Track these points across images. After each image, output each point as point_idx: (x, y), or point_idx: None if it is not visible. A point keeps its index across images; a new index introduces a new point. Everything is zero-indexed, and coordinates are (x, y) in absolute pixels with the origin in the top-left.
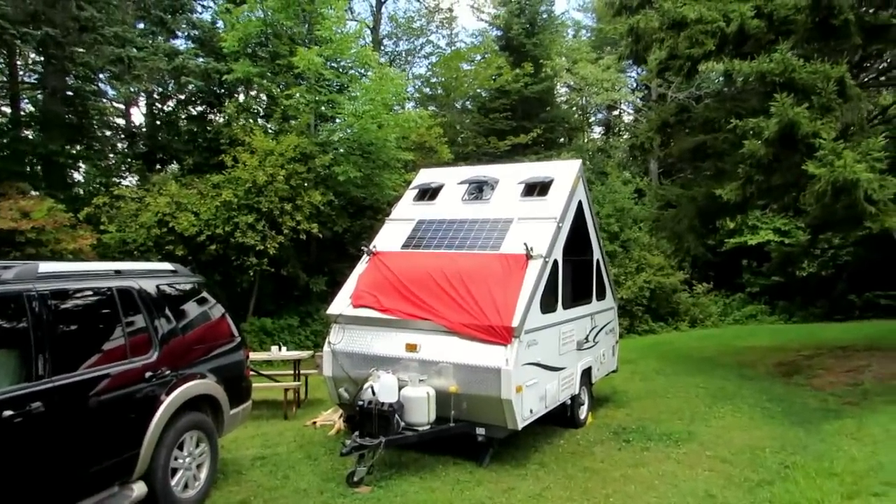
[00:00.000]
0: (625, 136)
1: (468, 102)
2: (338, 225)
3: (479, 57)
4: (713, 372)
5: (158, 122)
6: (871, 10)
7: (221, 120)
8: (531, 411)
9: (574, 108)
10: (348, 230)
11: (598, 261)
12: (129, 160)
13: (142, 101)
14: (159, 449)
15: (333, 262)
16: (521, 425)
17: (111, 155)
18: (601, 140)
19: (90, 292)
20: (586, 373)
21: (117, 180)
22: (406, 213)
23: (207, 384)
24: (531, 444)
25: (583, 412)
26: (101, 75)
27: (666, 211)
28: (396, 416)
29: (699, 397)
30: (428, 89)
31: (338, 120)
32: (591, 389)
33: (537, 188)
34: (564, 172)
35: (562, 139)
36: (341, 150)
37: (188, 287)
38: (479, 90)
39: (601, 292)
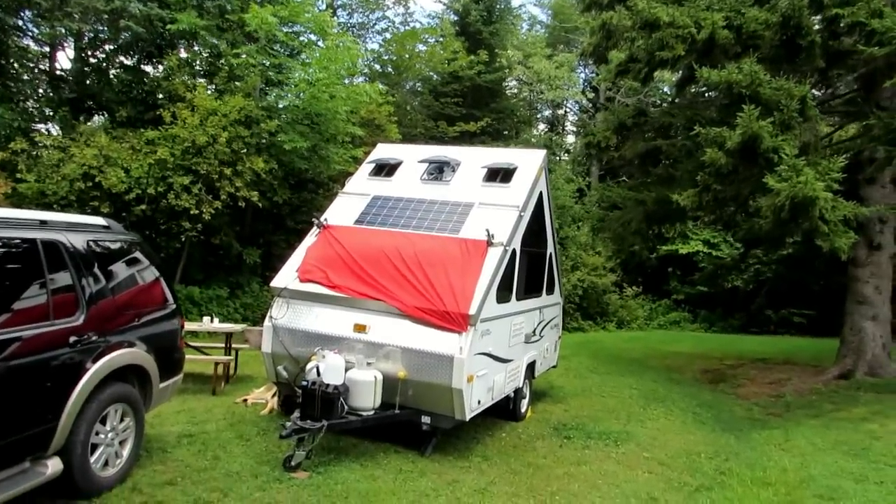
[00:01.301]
0: (575, 136)
1: (419, 84)
2: (278, 195)
3: (433, 39)
4: (644, 374)
5: (88, 69)
6: (835, 34)
7: (160, 73)
8: (479, 402)
9: (522, 102)
10: (287, 202)
11: (551, 254)
12: (54, 105)
13: (70, 48)
14: (79, 422)
15: (269, 234)
16: (468, 416)
17: (30, 100)
18: (546, 137)
19: (10, 242)
20: (530, 366)
21: (39, 126)
22: (361, 188)
23: (137, 353)
24: (473, 435)
25: (524, 406)
26: (26, 12)
27: (611, 212)
28: (341, 399)
29: (633, 398)
30: (378, 66)
31: (287, 86)
32: (532, 383)
33: (500, 174)
34: (528, 161)
35: (507, 131)
36: (287, 119)
37: (121, 245)
38: (431, 73)
39: (551, 286)
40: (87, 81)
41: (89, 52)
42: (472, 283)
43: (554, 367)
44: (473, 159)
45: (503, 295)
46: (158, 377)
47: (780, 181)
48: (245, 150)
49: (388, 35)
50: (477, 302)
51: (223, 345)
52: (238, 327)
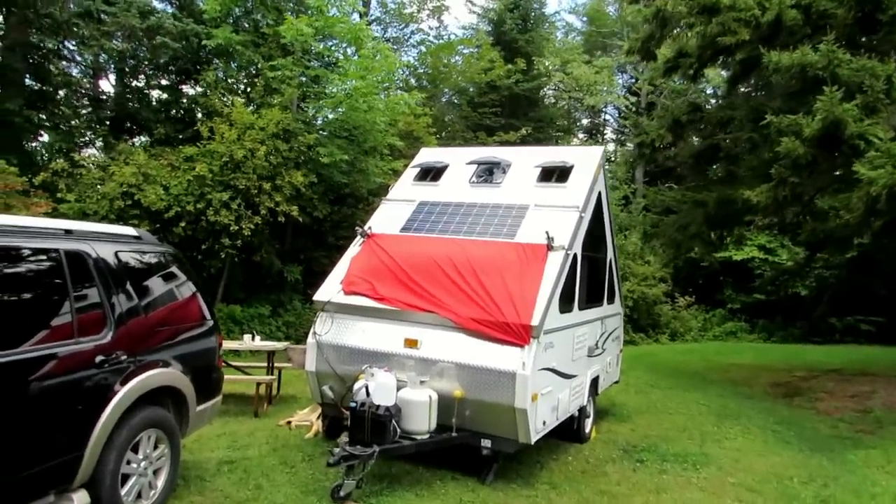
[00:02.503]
0: (615, 144)
1: (454, 97)
2: (318, 210)
3: (468, 50)
4: (708, 388)
5: (128, 93)
6: None
7: (198, 91)
8: (544, 423)
9: (561, 110)
10: (328, 218)
11: (611, 260)
12: (95, 125)
13: (112, 74)
14: (108, 451)
15: (310, 251)
16: (534, 439)
17: (73, 121)
18: (586, 145)
19: (30, 253)
20: (594, 382)
21: (80, 146)
22: (406, 194)
23: (171, 374)
24: (536, 459)
25: (588, 425)
26: (67, 43)
27: (665, 217)
28: (393, 421)
29: (703, 415)
30: (414, 80)
31: (324, 98)
32: (595, 401)
33: (556, 174)
34: (586, 159)
35: (547, 140)
36: (326, 132)
37: (154, 258)
38: (467, 84)
39: (612, 295)
40: (128, 103)
41: (130, 78)
42: (533, 291)
43: (616, 382)
44: (525, 159)
45: (565, 304)
46: (195, 399)
47: (873, 169)
48: (284, 165)
49: (422, 48)
50: (540, 312)
51: (265, 364)
52: (280, 345)
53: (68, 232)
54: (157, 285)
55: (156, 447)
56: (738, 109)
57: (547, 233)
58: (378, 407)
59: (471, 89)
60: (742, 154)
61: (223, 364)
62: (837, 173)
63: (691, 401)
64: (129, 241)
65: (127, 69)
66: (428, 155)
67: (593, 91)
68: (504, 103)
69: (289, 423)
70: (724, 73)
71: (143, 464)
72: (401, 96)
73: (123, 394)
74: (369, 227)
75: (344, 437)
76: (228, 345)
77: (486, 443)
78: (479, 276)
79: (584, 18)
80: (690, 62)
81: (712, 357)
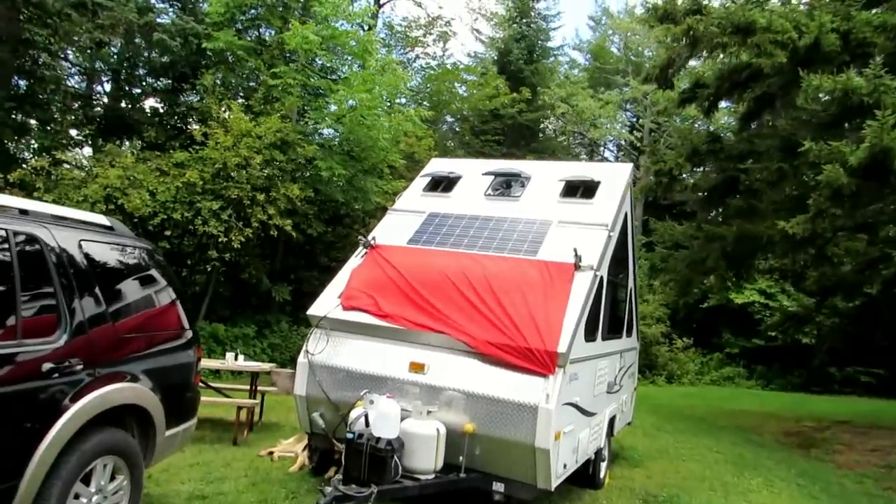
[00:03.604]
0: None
1: (456, 124)
2: (313, 228)
3: (472, 77)
4: (719, 435)
5: (121, 93)
6: None
7: (194, 98)
8: (565, 466)
9: (563, 141)
10: (321, 237)
11: (631, 289)
12: (82, 125)
13: (107, 83)
14: (51, 482)
15: (301, 271)
16: (554, 484)
17: (58, 117)
18: None
19: None
20: (611, 422)
21: (65, 146)
22: (414, 205)
23: (138, 390)
24: None
25: (602, 470)
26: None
27: (676, 252)
28: (395, 457)
29: (719, 464)
30: (413, 105)
31: (326, 109)
32: (611, 443)
33: (581, 189)
34: (613, 175)
35: None
36: (326, 146)
37: (128, 253)
38: (469, 113)
39: (630, 327)
40: (121, 104)
41: (124, 82)
42: (559, 313)
43: (629, 423)
44: (545, 173)
45: (590, 332)
46: (165, 422)
47: None
48: (280, 176)
49: (427, 73)
50: (567, 337)
51: (248, 387)
52: (266, 366)
53: (24, 212)
54: (128, 285)
55: (112, 478)
56: (766, 139)
57: (575, 250)
58: (378, 440)
59: (470, 117)
60: (763, 187)
61: (201, 383)
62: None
63: (704, 447)
64: (97, 230)
65: (121, 69)
66: (439, 165)
67: (597, 125)
68: (506, 132)
69: (271, 453)
70: (728, 109)
71: (95, 498)
72: (407, 113)
73: (75, 411)
74: (373, 238)
75: (336, 475)
76: (208, 363)
77: (499, 487)
78: (498, 294)
79: (588, 55)
80: (708, 93)
81: (715, 402)
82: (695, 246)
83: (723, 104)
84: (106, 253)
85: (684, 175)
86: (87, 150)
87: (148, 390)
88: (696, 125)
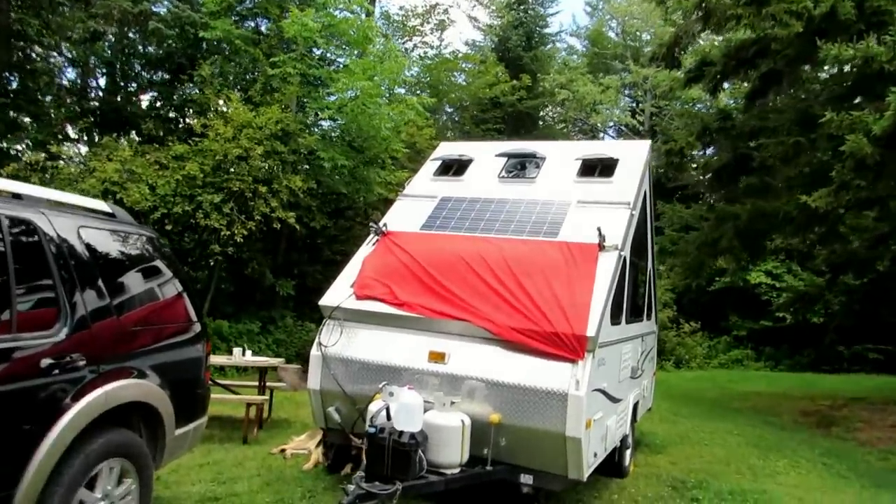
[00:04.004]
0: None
1: (455, 114)
2: (316, 220)
3: (472, 65)
4: (735, 417)
5: (117, 86)
6: None
7: (192, 91)
8: (595, 455)
9: (563, 128)
10: (323, 232)
11: (650, 270)
12: (78, 118)
13: (101, 79)
14: (52, 489)
15: (304, 265)
16: (586, 474)
17: (52, 111)
18: None
19: None
20: (634, 408)
21: (61, 140)
22: (425, 189)
23: (144, 387)
24: (576, 498)
25: (628, 457)
26: (60, 47)
27: (686, 234)
28: (419, 451)
29: (741, 446)
30: (411, 94)
31: (327, 98)
32: (635, 429)
33: (599, 168)
34: (632, 153)
35: None
36: (328, 136)
37: (131, 242)
38: (468, 102)
39: (650, 310)
40: (118, 98)
41: (119, 75)
42: (586, 296)
43: (650, 409)
44: (560, 153)
45: (615, 315)
46: (174, 421)
47: None
48: (281, 168)
49: (425, 62)
50: (595, 320)
51: (255, 383)
52: (276, 361)
53: (17, 196)
54: (132, 276)
55: (120, 482)
56: (780, 113)
57: (599, 230)
58: (401, 434)
59: (470, 106)
60: (777, 164)
61: (210, 380)
62: None
63: (723, 430)
64: (97, 217)
65: (116, 62)
66: (449, 148)
67: (598, 110)
68: (506, 120)
69: (283, 451)
70: (729, 91)
71: None
72: (409, 101)
73: (78, 410)
74: (384, 224)
75: (359, 471)
76: (214, 360)
77: (527, 479)
78: (520, 278)
79: (586, 41)
80: (715, 71)
81: (726, 385)
82: (706, 227)
83: (726, 85)
84: (108, 241)
85: (695, 153)
86: (83, 149)
87: (156, 387)
88: (697, 108)
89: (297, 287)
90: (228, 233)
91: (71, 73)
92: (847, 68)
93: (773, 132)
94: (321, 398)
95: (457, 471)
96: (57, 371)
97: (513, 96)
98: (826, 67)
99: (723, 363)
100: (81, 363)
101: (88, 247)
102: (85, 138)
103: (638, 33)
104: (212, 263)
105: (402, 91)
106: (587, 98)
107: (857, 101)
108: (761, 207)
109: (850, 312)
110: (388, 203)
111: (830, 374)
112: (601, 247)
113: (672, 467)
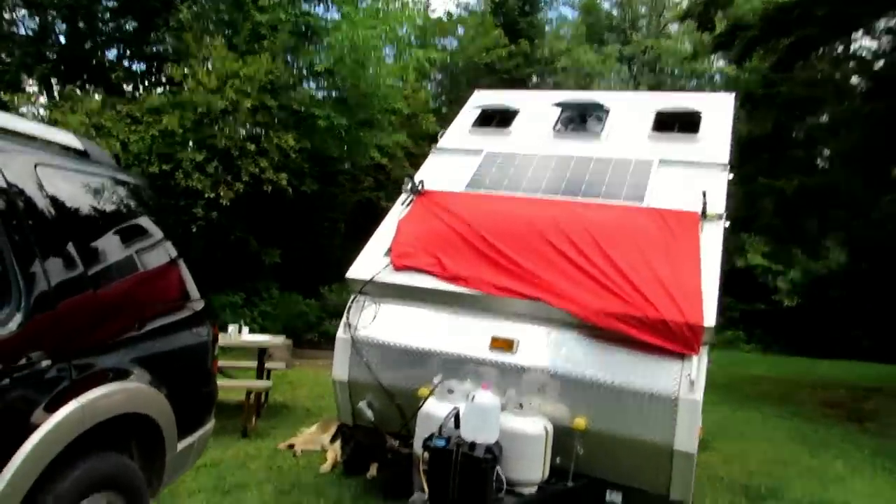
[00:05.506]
0: None
1: (446, 80)
2: (306, 185)
3: (464, 30)
4: (760, 407)
5: (82, 38)
6: None
7: (168, 41)
8: None
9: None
10: (315, 197)
11: None
12: (35, 65)
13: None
14: None
15: (292, 232)
16: (692, 496)
17: (7, 58)
18: None
19: None
20: None
21: (11, 88)
22: (466, 142)
23: (136, 391)
24: None
25: None
26: None
27: None
28: (497, 469)
29: (784, 442)
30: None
31: (323, 49)
32: None
33: (679, 122)
34: (716, 106)
35: None
36: (324, 91)
37: (110, 191)
38: (460, 69)
39: None
40: (85, 45)
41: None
42: (695, 277)
43: None
44: (627, 104)
45: None
46: (176, 433)
47: None
48: (272, 125)
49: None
50: (712, 307)
51: (250, 363)
52: (278, 339)
53: None
54: (111, 237)
55: None
56: (819, 86)
57: (704, 194)
58: (474, 446)
59: (461, 76)
60: (825, 136)
61: (219, 371)
62: None
63: (756, 422)
64: (64, 154)
65: (78, 5)
66: (487, 97)
67: (596, 82)
68: (503, 87)
69: (291, 446)
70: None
71: None
72: (416, 52)
73: (43, 437)
74: (420, 182)
75: (418, 495)
76: None
77: (616, 497)
78: (608, 251)
79: (577, 12)
80: (748, 36)
81: (729, 368)
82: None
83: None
84: (78, 188)
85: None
86: (43, 100)
87: (151, 389)
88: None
89: (283, 256)
90: (213, 195)
91: (26, 19)
92: None
93: (818, 103)
94: (349, 391)
95: (533, 489)
96: (7, 380)
97: (510, 62)
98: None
99: (714, 345)
100: (45, 364)
101: (50, 194)
102: (42, 89)
103: (635, 4)
104: (193, 230)
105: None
106: (587, 66)
107: None
108: (812, 182)
109: (849, 298)
110: (380, 169)
111: (822, 360)
112: (703, 215)
113: (729, 468)
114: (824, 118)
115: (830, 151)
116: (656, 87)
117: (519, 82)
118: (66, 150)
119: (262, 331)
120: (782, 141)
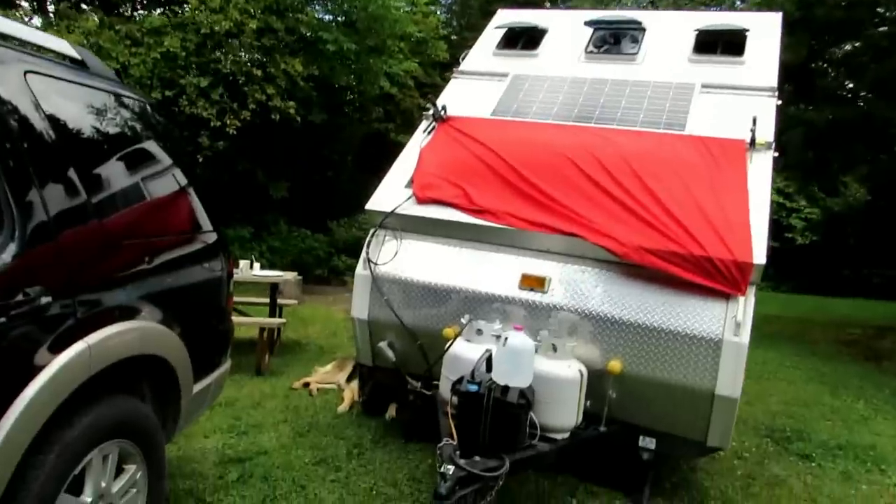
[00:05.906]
0: None
1: (455, 3)
2: (314, 115)
3: None
4: (776, 346)
5: None
6: None
7: None
8: None
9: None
10: (324, 127)
11: None
12: None
13: None
14: (24, 495)
15: (300, 164)
16: (730, 442)
17: None
18: None
19: None
20: None
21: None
22: (490, 66)
23: (149, 330)
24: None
25: None
26: None
27: None
28: (531, 414)
29: (804, 382)
30: None
31: None
32: None
33: (722, 43)
34: (763, 25)
35: None
36: (328, 18)
37: (113, 109)
38: None
39: None
40: None
41: None
42: (742, 211)
43: None
44: (665, 23)
45: None
46: (192, 375)
47: None
48: (278, 49)
49: None
50: (761, 243)
51: (262, 299)
52: (290, 275)
53: None
54: (115, 160)
55: (117, 475)
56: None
57: (754, 119)
58: (507, 390)
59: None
60: (866, 62)
61: (234, 309)
62: None
63: (774, 361)
64: (58, 64)
65: None
66: (512, 16)
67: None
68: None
69: (307, 384)
70: None
71: None
72: None
73: (45, 382)
74: (443, 108)
75: (446, 441)
76: None
77: (649, 443)
78: (647, 182)
79: None
80: None
81: None
82: None
83: None
84: (75, 103)
85: None
86: (37, 21)
87: (164, 328)
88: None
89: (290, 190)
90: (219, 123)
91: None
92: None
93: (857, 25)
94: (369, 330)
95: (566, 435)
96: (7, 315)
97: None
98: None
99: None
100: (46, 301)
101: (45, 109)
102: (35, 6)
103: None
104: (199, 160)
105: None
106: None
107: None
108: (838, 114)
109: (862, 236)
110: (388, 99)
111: (833, 298)
112: (752, 144)
113: (752, 409)
114: (859, 45)
115: (867, 78)
116: (684, 6)
117: (534, 4)
118: (61, 55)
119: (271, 266)
120: (814, 70)
